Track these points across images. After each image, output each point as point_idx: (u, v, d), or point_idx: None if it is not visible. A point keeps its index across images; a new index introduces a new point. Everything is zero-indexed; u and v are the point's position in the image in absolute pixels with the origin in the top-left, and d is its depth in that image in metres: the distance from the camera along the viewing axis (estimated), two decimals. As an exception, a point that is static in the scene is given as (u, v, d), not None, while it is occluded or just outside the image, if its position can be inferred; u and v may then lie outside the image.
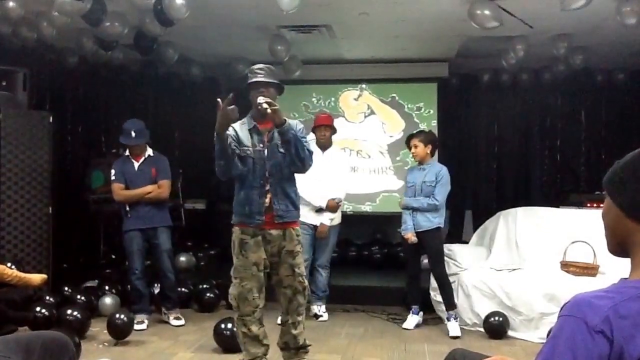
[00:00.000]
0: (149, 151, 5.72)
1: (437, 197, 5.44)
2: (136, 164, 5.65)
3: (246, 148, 3.88)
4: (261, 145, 3.90)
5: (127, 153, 5.71)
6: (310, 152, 3.91)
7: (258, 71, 3.91)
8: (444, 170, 5.53)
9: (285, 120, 3.74)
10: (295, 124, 3.88)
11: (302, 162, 3.85)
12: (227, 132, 3.75)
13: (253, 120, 3.95)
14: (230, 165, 3.79)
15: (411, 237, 5.48)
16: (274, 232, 3.88)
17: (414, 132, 6.01)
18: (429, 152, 5.56)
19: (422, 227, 5.47)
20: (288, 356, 4.08)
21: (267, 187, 3.87)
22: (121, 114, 8.46)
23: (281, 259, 3.91)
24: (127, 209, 5.57)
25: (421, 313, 5.69)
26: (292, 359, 4.07)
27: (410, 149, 5.64)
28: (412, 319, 5.62)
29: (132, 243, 5.57)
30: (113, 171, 5.64)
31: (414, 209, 5.48)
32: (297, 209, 4.01)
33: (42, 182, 5.92)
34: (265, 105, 3.67)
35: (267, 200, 3.87)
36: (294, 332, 4.00)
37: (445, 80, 8.45)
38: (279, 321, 4.39)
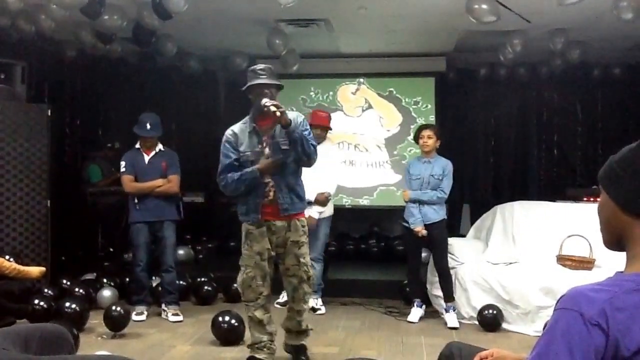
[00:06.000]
0: (160, 146, 5.74)
1: (445, 190, 5.48)
2: (147, 157, 5.67)
3: (244, 153, 4.02)
4: (260, 146, 4.03)
5: (137, 146, 5.71)
6: (315, 146, 4.04)
7: (260, 72, 4.01)
8: (450, 164, 5.56)
9: (292, 121, 3.85)
10: (295, 116, 4.00)
11: (308, 157, 4.01)
12: (228, 136, 4.04)
13: (252, 121, 4.03)
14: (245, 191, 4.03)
15: (422, 230, 5.45)
16: (278, 223, 4.04)
17: (425, 123, 5.98)
18: (437, 146, 5.58)
19: (431, 219, 5.48)
20: (289, 337, 4.30)
21: (271, 183, 4.00)
22: (119, 107, 8.46)
23: (287, 249, 4.07)
24: (136, 201, 5.59)
25: (424, 306, 5.70)
26: (293, 340, 4.29)
27: (419, 138, 5.57)
28: (417, 312, 5.61)
29: (139, 235, 5.60)
30: (123, 163, 5.65)
31: (422, 202, 5.48)
32: (302, 200, 4.16)
33: (40, 175, 5.93)
34: (273, 108, 3.77)
35: (272, 194, 4.00)
36: (299, 319, 4.20)
37: (442, 75, 8.45)
38: (276, 304, 4.62)
